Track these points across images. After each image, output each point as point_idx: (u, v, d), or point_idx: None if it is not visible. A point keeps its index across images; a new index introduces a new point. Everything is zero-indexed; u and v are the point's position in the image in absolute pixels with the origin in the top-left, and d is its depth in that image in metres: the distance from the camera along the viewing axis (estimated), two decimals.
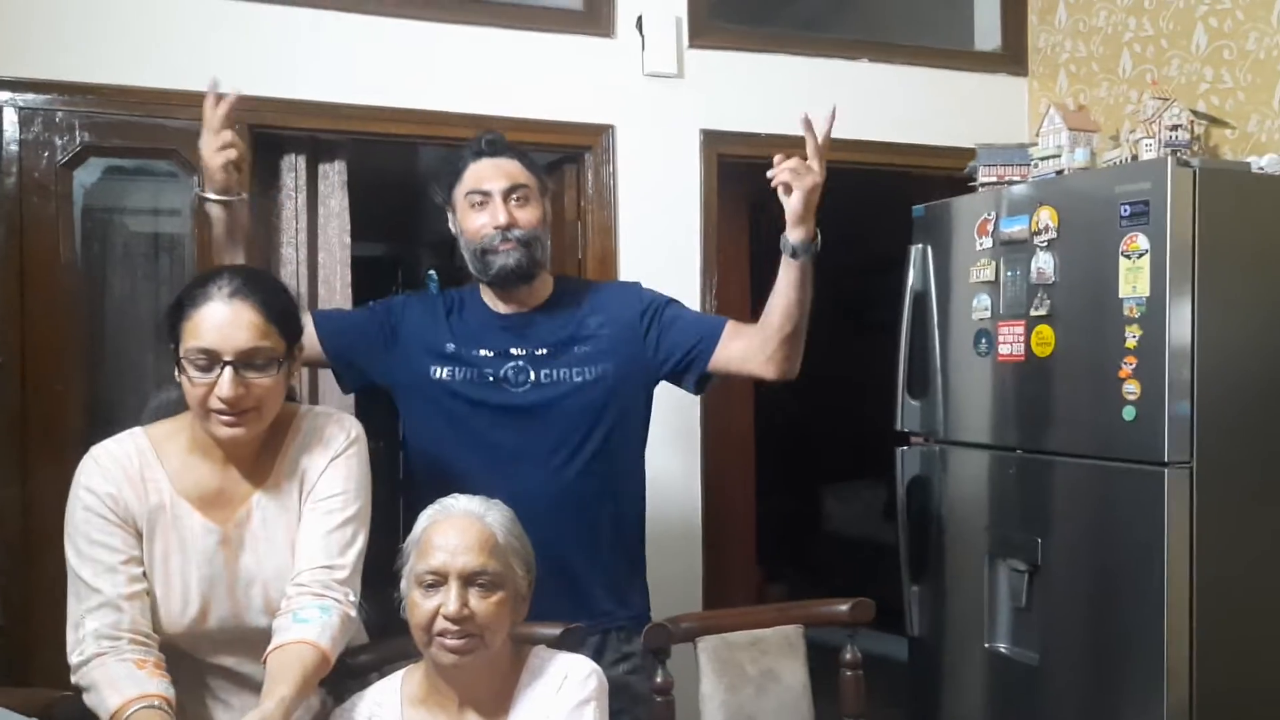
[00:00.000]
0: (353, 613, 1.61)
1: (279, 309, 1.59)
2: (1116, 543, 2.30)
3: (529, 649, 1.61)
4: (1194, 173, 2.21)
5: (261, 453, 1.65)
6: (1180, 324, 2.19)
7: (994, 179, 2.82)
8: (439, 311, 2.07)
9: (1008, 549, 2.57)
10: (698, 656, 1.98)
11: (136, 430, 1.65)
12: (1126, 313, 2.25)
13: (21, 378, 2.49)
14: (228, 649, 1.63)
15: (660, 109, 3.03)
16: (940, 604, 2.79)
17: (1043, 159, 2.76)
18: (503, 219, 1.96)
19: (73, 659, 1.53)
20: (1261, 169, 2.42)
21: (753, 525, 3.55)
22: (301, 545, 1.62)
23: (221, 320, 1.53)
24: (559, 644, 1.69)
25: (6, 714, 1.55)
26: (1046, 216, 2.45)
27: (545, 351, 2.01)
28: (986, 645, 2.63)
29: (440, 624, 1.48)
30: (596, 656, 1.78)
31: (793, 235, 1.91)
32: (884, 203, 3.24)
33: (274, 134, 2.74)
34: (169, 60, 2.57)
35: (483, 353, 2.01)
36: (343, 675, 1.65)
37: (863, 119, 3.17)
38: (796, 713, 1.99)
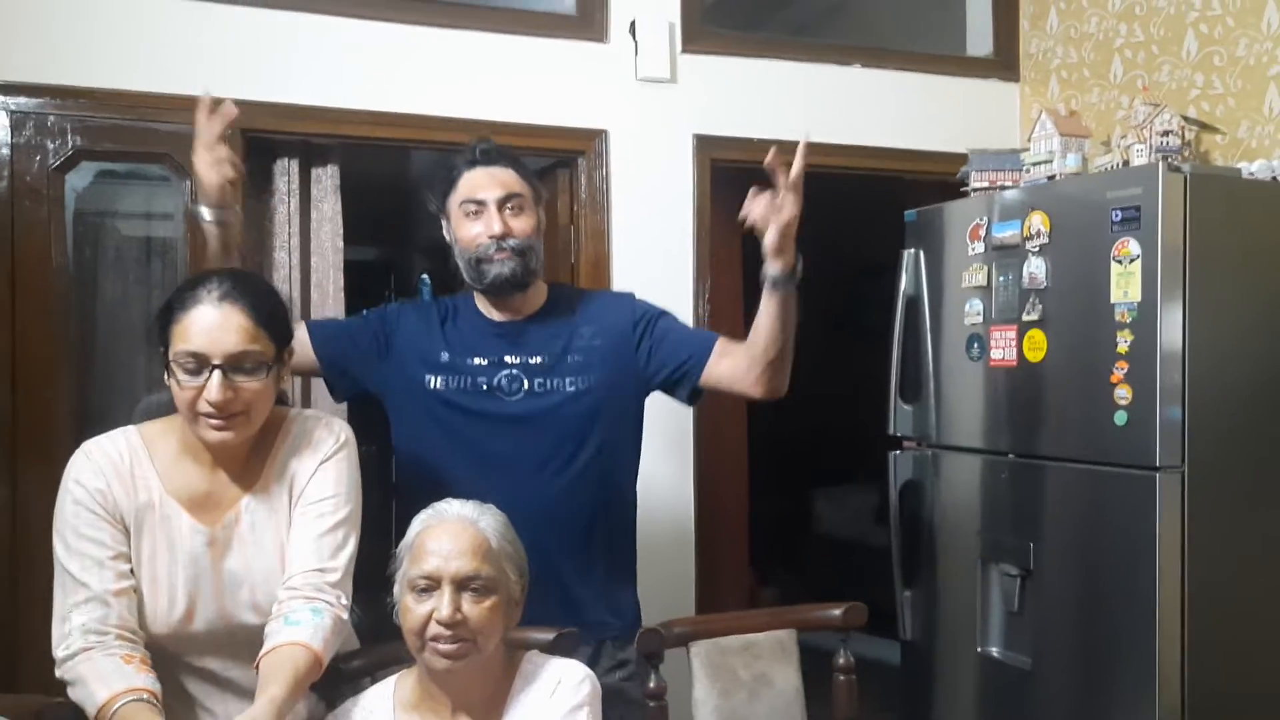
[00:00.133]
0: (345, 615, 1.60)
1: (268, 312, 1.59)
2: (1108, 547, 2.30)
3: (522, 654, 1.61)
4: (1185, 178, 2.22)
5: (251, 456, 1.64)
6: (1171, 329, 2.20)
7: (986, 184, 2.82)
8: (433, 320, 2.07)
9: (1000, 553, 2.57)
10: (691, 661, 1.98)
11: (129, 428, 1.65)
12: (1118, 318, 2.26)
13: (12, 382, 2.48)
14: (213, 651, 1.62)
15: (653, 114, 3.03)
16: (933, 608, 2.80)
17: (1034, 164, 2.76)
18: (497, 228, 1.96)
19: (58, 653, 1.51)
20: (1252, 174, 2.43)
21: (745, 529, 3.56)
22: (293, 548, 1.62)
23: (210, 324, 1.52)
24: (552, 649, 1.68)
25: None
26: (1038, 222, 2.46)
27: (539, 360, 2.01)
28: (979, 649, 2.63)
29: (433, 629, 1.47)
30: (591, 664, 1.77)
31: (772, 268, 1.89)
32: (876, 207, 3.25)
33: (266, 138, 2.74)
34: (161, 64, 2.57)
35: (476, 361, 2.01)
36: (336, 680, 1.64)
37: (855, 124, 3.19)
38: (789, 717, 1.99)
